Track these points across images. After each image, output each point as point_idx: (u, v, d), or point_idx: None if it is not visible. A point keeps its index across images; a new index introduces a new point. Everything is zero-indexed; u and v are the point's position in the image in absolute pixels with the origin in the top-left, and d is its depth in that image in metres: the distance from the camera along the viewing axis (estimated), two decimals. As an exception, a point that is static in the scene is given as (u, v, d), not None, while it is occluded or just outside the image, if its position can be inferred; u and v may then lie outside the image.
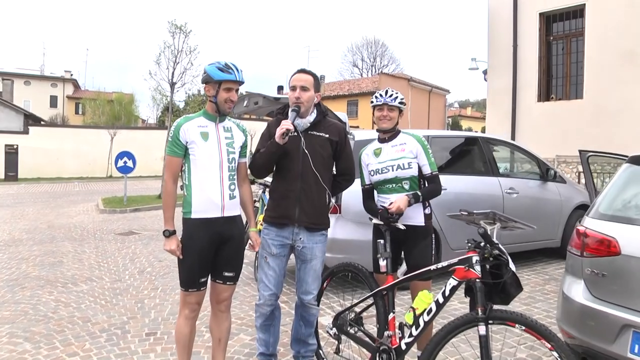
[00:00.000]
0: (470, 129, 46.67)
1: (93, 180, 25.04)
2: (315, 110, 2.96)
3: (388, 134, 3.07)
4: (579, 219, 6.88)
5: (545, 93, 12.00)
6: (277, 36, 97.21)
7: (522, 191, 6.06)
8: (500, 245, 2.25)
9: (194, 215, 2.74)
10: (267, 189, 6.45)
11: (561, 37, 11.72)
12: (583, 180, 10.36)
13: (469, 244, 2.37)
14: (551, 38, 11.80)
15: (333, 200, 3.02)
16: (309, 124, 2.90)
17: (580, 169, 10.80)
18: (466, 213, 2.40)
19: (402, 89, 30.86)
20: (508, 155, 7.17)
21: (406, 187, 2.97)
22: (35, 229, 9.61)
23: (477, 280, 2.29)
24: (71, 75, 51.64)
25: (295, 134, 2.86)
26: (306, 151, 2.85)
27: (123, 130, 27.60)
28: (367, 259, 4.93)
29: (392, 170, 2.98)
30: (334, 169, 3.04)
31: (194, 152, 2.74)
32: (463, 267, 2.36)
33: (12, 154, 24.28)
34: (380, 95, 3.04)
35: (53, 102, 48.66)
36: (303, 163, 2.86)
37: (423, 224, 2.99)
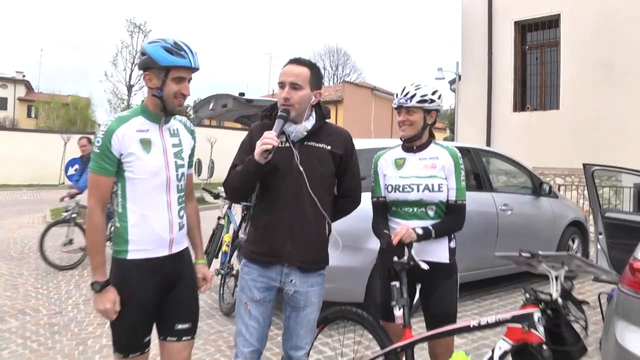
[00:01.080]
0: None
1: (44, 188, 23.39)
2: (313, 114, 2.29)
3: (415, 143, 2.45)
4: (571, 236, 6.52)
5: (521, 103, 11.76)
6: (239, 42, 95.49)
7: (516, 208, 5.56)
8: (582, 305, 1.64)
9: (131, 256, 2.04)
10: (234, 205, 5.79)
11: (536, 47, 11.52)
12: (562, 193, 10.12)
13: (527, 295, 1.76)
14: (526, 47, 11.58)
15: (334, 231, 2.35)
16: (305, 133, 2.23)
17: (559, 181, 10.56)
18: (528, 255, 1.78)
19: (365, 98, 30.48)
20: (500, 167, 6.70)
21: (431, 214, 2.36)
22: (-32, 245, 8.48)
23: (543, 346, 1.68)
24: (23, 76, 48.98)
25: (287, 144, 2.20)
26: (301, 168, 2.18)
27: (77, 135, 26.05)
28: (357, 287, 4.42)
29: (418, 191, 2.35)
30: (335, 188, 2.38)
31: (132, 168, 2.03)
32: (520, 326, 1.74)
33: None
34: (396, 95, 2.42)
35: (2, 104, 45.96)
36: (297, 183, 2.19)
37: (447, 261, 2.36)
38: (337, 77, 47.51)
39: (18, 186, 23.39)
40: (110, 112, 33.70)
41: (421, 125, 2.41)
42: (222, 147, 18.32)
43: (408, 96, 2.37)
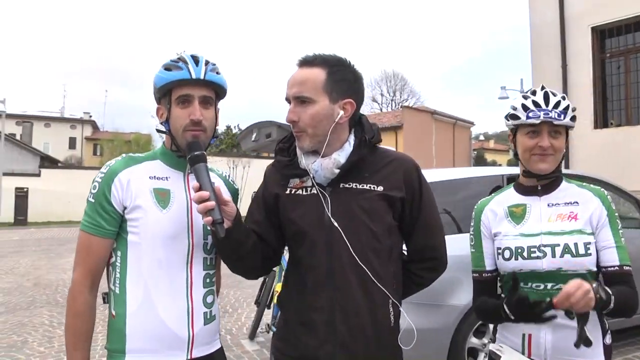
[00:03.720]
0: (494, 162, 44.61)
1: (105, 224, 24.05)
2: (351, 137, 1.52)
3: (542, 181, 1.62)
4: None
5: (603, 119, 10.46)
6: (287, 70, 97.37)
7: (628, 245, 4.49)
8: None
9: (130, 359, 1.44)
10: (286, 248, 5.09)
11: (618, 54, 10.26)
12: None
13: None
14: (607, 55, 10.34)
15: (409, 320, 1.55)
16: (337, 170, 1.46)
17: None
18: None
19: (425, 122, 29.49)
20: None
21: None
22: (17, 288, 8.27)
23: None
24: (90, 116, 51.93)
25: (313, 190, 1.47)
26: (335, 224, 1.43)
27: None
28: (437, 354, 3.50)
29: (554, 256, 1.52)
30: (404, 248, 1.60)
31: (137, 229, 1.46)
32: None
33: (22, 196, 23.33)
34: (535, 104, 1.55)
35: (72, 143, 48.75)
36: (333, 249, 1.44)
37: None
38: (395, 102, 46.70)
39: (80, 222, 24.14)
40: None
41: (562, 156, 1.61)
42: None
43: (560, 108, 1.54)
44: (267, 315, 5.05)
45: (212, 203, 1.33)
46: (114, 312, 1.47)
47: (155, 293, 1.44)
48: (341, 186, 1.49)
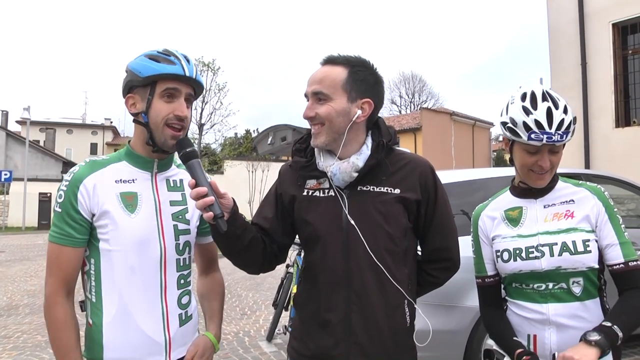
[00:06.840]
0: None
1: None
2: (369, 140, 1.53)
3: None
4: None
5: (625, 117, 10.26)
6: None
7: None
8: None
9: None
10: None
11: (640, 51, 10.06)
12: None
13: None
14: (628, 52, 10.14)
15: (425, 317, 1.56)
16: (355, 174, 1.46)
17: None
18: None
19: (444, 124, 29.34)
20: (618, 196, 5.51)
21: (577, 291, 1.50)
22: (41, 290, 8.42)
23: None
24: (111, 122, 52.89)
25: (331, 192, 1.49)
26: (353, 223, 1.44)
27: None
28: (452, 356, 3.39)
29: (552, 255, 1.51)
30: (419, 248, 1.61)
31: (107, 236, 1.42)
32: None
33: (45, 202, 23.81)
34: (537, 124, 1.46)
35: (93, 149, 49.71)
36: (350, 249, 1.45)
37: None
38: (414, 104, 46.48)
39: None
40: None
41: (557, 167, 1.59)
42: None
43: (563, 128, 1.47)
44: (285, 317, 5.07)
45: (211, 198, 1.33)
46: (90, 321, 1.44)
47: (130, 301, 1.41)
48: (358, 189, 1.49)
